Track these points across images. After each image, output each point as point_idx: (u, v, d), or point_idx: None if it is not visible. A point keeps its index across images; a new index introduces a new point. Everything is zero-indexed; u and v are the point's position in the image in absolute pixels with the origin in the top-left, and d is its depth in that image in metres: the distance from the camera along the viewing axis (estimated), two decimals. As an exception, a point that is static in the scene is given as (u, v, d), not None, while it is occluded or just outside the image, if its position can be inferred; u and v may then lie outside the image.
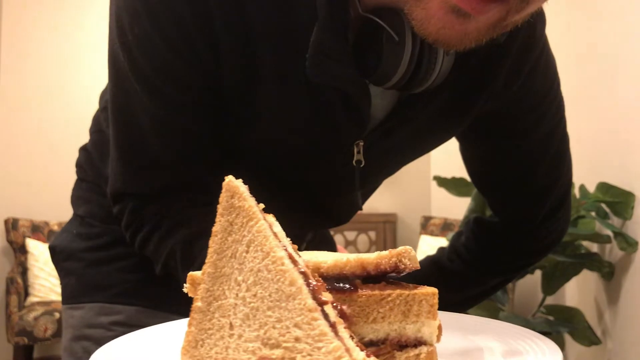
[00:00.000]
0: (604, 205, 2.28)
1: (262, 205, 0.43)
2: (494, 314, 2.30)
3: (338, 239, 4.35)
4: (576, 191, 2.32)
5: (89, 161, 0.94)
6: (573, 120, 1.05)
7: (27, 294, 3.73)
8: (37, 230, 3.92)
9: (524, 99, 0.82)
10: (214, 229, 0.42)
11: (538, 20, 0.77)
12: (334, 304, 0.38)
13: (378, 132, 0.74)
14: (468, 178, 0.97)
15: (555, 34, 1.14)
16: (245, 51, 0.66)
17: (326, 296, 0.37)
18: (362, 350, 0.34)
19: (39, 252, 3.78)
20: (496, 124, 0.85)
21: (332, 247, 1.13)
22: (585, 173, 2.41)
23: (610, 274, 2.32)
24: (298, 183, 0.81)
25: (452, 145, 0.92)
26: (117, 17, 0.67)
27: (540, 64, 0.81)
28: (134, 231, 0.75)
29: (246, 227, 0.41)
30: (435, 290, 0.46)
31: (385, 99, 0.74)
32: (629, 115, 2.26)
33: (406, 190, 4.49)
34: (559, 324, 2.26)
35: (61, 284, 0.93)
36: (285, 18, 0.65)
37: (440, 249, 1.01)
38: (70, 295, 0.91)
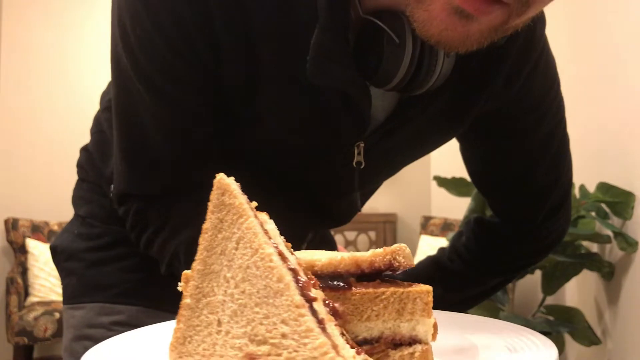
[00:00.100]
0: (604, 205, 2.27)
1: (255, 203, 0.42)
2: (494, 314, 2.30)
3: (338, 239, 4.35)
4: (576, 191, 2.32)
5: (90, 161, 0.94)
6: (573, 120, 1.05)
7: (27, 294, 3.73)
8: (37, 230, 3.92)
9: (524, 99, 0.82)
10: (204, 226, 0.42)
11: (538, 21, 0.77)
12: (326, 302, 0.38)
13: (378, 133, 0.74)
14: (468, 178, 0.97)
15: (555, 35, 1.14)
16: (246, 51, 0.66)
17: (316, 293, 0.37)
18: (353, 347, 0.34)
19: (39, 252, 3.78)
20: (496, 124, 0.85)
21: (332, 247, 1.13)
22: (585, 173, 2.40)
23: (610, 274, 2.32)
24: (298, 183, 0.81)
25: (452, 145, 0.92)
26: (119, 18, 0.68)
27: (540, 65, 0.81)
28: (139, 232, 0.76)
29: (236, 224, 0.40)
30: (429, 288, 0.46)
31: (385, 100, 0.74)
32: (629, 115, 2.26)
33: (406, 190, 4.49)
34: (559, 324, 2.26)
35: (62, 284, 0.94)
36: (286, 19, 0.65)
37: (441, 249, 1.01)
38: (71, 295, 0.91)
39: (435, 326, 0.47)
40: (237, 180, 0.43)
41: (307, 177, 0.81)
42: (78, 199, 0.96)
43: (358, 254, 0.46)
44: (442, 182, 2.56)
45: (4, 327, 3.77)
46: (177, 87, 0.68)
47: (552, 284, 2.36)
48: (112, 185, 0.77)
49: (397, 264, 0.45)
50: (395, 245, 0.46)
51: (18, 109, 4.20)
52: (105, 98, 0.92)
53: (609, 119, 2.44)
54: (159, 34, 0.65)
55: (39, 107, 4.22)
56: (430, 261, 0.99)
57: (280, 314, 0.36)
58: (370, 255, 0.45)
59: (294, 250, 0.43)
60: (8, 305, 3.65)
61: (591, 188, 2.34)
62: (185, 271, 0.45)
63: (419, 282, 0.48)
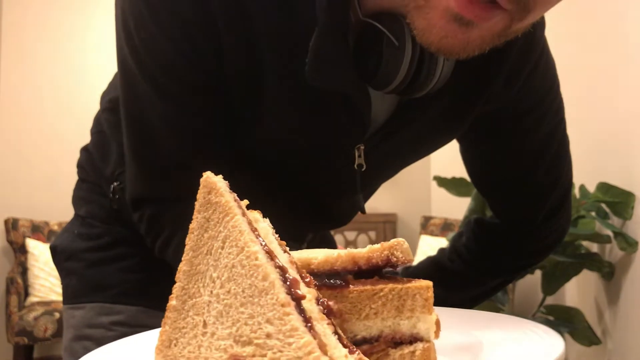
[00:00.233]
0: (604, 205, 2.27)
1: (246, 202, 0.42)
2: (494, 314, 2.29)
3: (338, 239, 4.35)
4: (576, 191, 2.32)
5: (90, 162, 0.94)
6: (573, 120, 1.05)
7: (27, 294, 3.73)
8: (37, 230, 3.92)
9: (524, 99, 0.82)
10: (191, 226, 0.42)
11: (537, 22, 0.77)
12: (320, 300, 0.37)
13: (379, 135, 0.74)
14: (468, 178, 0.97)
15: (556, 35, 1.14)
16: (247, 52, 0.67)
17: (308, 291, 0.36)
18: (349, 347, 0.33)
19: (39, 252, 3.78)
20: (496, 125, 0.85)
21: (332, 247, 1.13)
22: (585, 173, 2.40)
23: (610, 274, 2.32)
24: (299, 184, 0.81)
25: (452, 146, 0.92)
26: (123, 21, 0.68)
27: (540, 65, 0.81)
28: (154, 237, 0.75)
29: (222, 222, 0.40)
30: (429, 283, 0.45)
31: (385, 102, 0.74)
32: (629, 115, 2.26)
33: (406, 190, 4.49)
34: (559, 324, 2.26)
35: (62, 284, 0.94)
36: (286, 20, 0.66)
37: (441, 250, 1.01)
38: (71, 295, 0.91)
39: (437, 323, 0.45)
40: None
41: (307, 179, 0.81)
42: (78, 199, 0.96)
43: (355, 251, 0.45)
44: (442, 182, 2.56)
45: (4, 327, 3.77)
46: (183, 88, 0.68)
47: (552, 284, 2.36)
48: (127, 192, 0.77)
49: (395, 259, 0.44)
50: (393, 240, 0.45)
51: (18, 109, 4.19)
52: (105, 98, 0.92)
53: (609, 120, 2.43)
54: (163, 36, 0.66)
55: (39, 107, 4.22)
56: (430, 262, 0.99)
57: (265, 313, 0.35)
58: (367, 252, 0.44)
59: (294, 251, 0.43)
60: (8, 305, 3.65)
61: (591, 188, 2.34)
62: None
63: (418, 281, 0.46)
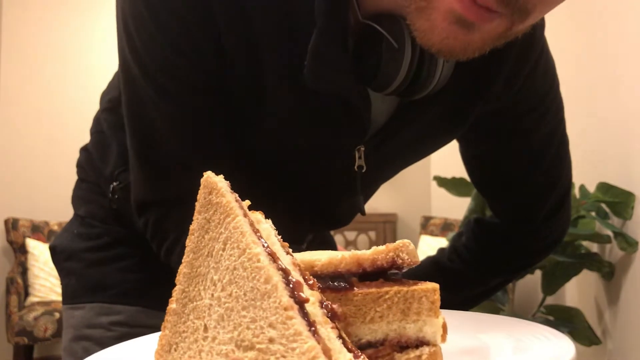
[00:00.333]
0: (604, 205, 2.27)
1: (247, 202, 0.41)
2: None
3: (338, 239, 4.35)
4: (576, 191, 2.32)
5: (90, 161, 0.94)
6: (573, 120, 1.05)
7: (27, 294, 3.73)
8: (37, 230, 3.92)
9: (524, 99, 0.82)
10: (191, 227, 0.40)
11: (537, 22, 0.77)
12: (324, 303, 0.36)
13: (379, 136, 0.75)
14: (468, 178, 0.97)
15: (555, 36, 1.14)
16: (247, 53, 0.67)
17: (311, 294, 0.35)
18: (353, 352, 0.32)
19: (39, 252, 3.78)
20: (496, 125, 0.85)
21: (332, 248, 1.13)
22: (585, 173, 2.40)
23: (610, 274, 2.31)
24: (299, 185, 0.81)
25: (452, 146, 0.92)
26: (124, 22, 0.68)
27: (539, 65, 0.81)
28: (160, 242, 0.75)
29: (223, 224, 0.38)
30: (436, 285, 0.44)
31: (385, 104, 0.74)
32: (629, 115, 2.26)
33: (406, 190, 4.49)
34: (559, 324, 2.25)
35: (62, 284, 0.94)
36: (285, 22, 0.66)
37: (441, 250, 1.01)
38: (70, 295, 0.91)
39: (444, 327, 0.44)
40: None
41: (307, 179, 0.81)
42: (77, 199, 0.96)
43: (359, 253, 0.44)
44: (442, 182, 2.56)
45: (4, 327, 3.77)
46: (182, 87, 0.68)
47: (552, 284, 2.36)
48: (132, 197, 0.76)
49: (400, 261, 0.43)
50: (398, 242, 0.44)
51: (18, 109, 4.19)
52: (105, 98, 0.92)
53: (609, 120, 2.43)
54: (164, 37, 0.66)
55: (39, 107, 4.22)
56: (430, 262, 0.99)
57: (268, 317, 0.34)
58: (372, 253, 0.43)
59: (294, 252, 0.42)
60: (8, 305, 3.65)
61: (591, 188, 2.34)
62: None
63: (417, 282, 0.45)
